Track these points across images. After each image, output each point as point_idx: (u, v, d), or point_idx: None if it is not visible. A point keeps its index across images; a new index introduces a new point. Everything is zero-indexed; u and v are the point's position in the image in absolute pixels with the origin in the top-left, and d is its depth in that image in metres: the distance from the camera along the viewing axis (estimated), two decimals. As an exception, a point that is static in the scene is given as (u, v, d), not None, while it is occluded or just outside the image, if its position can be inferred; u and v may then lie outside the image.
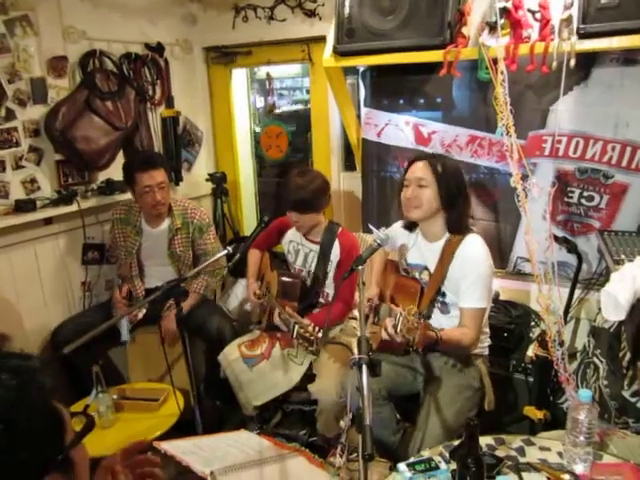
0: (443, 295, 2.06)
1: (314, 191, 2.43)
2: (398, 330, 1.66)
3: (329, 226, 2.58)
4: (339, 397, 2.22)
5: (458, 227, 2.04)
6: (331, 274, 2.57)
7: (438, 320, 2.10)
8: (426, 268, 2.11)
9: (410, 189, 2.02)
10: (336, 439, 2.42)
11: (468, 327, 1.96)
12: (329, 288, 2.62)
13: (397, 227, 2.26)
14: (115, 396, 2.33)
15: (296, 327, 2.16)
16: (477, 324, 1.97)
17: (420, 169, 2.02)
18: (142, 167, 2.59)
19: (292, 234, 2.68)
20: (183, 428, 2.15)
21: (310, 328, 2.12)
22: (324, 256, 2.55)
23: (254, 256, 2.78)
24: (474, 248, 1.99)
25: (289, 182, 2.45)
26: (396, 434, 2.20)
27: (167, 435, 2.14)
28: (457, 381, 2.02)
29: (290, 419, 2.82)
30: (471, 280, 1.95)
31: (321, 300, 2.65)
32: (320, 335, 2.06)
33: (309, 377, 2.47)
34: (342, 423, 2.42)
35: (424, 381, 2.10)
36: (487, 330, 2.15)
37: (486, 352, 2.15)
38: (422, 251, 2.13)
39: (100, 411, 2.21)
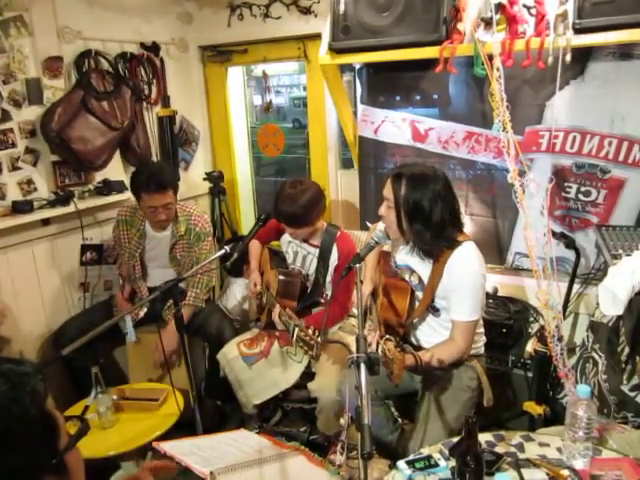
0: (434, 302, 2.03)
1: (305, 206, 2.36)
2: (379, 353, 1.66)
3: (328, 229, 2.57)
4: (339, 395, 2.22)
5: (425, 252, 1.94)
6: (329, 277, 2.57)
7: (430, 324, 2.09)
8: (414, 271, 2.08)
9: (383, 207, 1.96)
10: (336, 437, 2.43)
11: (457, 340, 1.93)
12: (328, 289, 2.61)
13: None
14: (115, 396, 2.33)
15: (296, 330, 2.15)
16: (468, 336, 1.94)
17: (387, 188, 1.92)
18: (149, 189, 2.54)
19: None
20: (183, 428, 2.15)
21: (310, 331, 2.11)
22: (323, 259, 2.54)
23: (255, 247, 2.77)
24: (465, 260, 1.90)
25: (281, 195, 2.39)
26: (393, 433, 2.21)
27: (167, 435, 2.14)
28: (454, 383, 2.01)
29: (290, 417, 2.83)
30: (462, 293, 1.90)
31: (321, 300, 2.65)
32: (320, 340, 2.05)
33: (308, 375, 2.47)
34: (342, 421, 2.43)
35: (422, 380, 2.10)
36: (481, 330, 2.13)
37: (482, 351, 2.13)
38: (412, 254, 2.06)
39: (100, 412, 2.21)
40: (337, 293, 2.43)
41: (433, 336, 2.06)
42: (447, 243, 1.91)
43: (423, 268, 2.02)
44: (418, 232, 1.89)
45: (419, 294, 2.08)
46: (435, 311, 2.05)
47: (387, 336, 1.71)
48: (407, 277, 2.13)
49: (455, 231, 1.94)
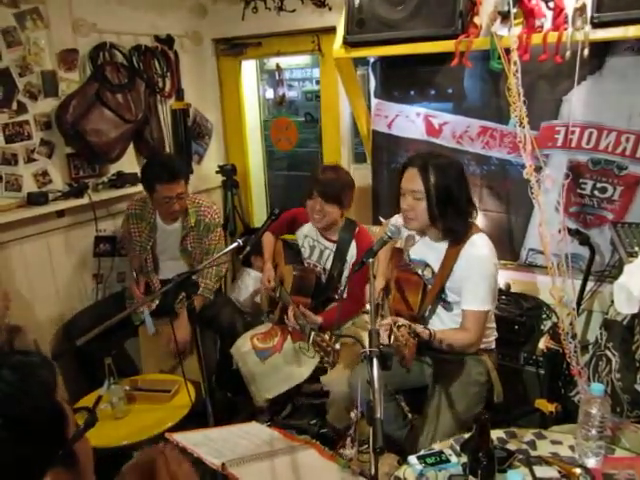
0: (446, 294, 2.04)
1: (343, 183, 2.47)
2: (391, 341, 1.65)
3: (346, 224, 2.57)
4: (350, 388, 2.22)
5: (453, 236, 1.97)
6: (346, 273, 2.56)
7: (441, 318, 2.09)
8: (428, 265, 2.08)
9: (406, 201, 1.96)
10: (346, 430, 2.43)
11: (469, 330, 1.93)
12: (343, 285, 2.60)
13: (401, 220, 2.19)
14: (127, 387, 2.35)
15: (312, 334, 2.12)
16: (479, 327, 1.93)
17: (413, 180, 1.93)
18: (163, 179, 2.57)
19: (308, 229, 2.67)
20: (194, 419, 2.17)
21: (327, 337, 2.08)
22: (340, 255, 2.54)
23: (269, 239, 2.77)
24: (478, 249, 1.94)
25: (319, 171, 2.49)
26: (402, 429, 2.20)
27: (179, 426, 2.16)
28: (464, 377, 2.00)
29: (300, 411, 2.84)
30: (474, 282, 1.91)
31: (336, 297, 2.64)
32: (338, 347, 2.02)
33: (321, 370, 2.47)
34: (352, 414, 2.43)
35: (433, 374, 2.09)
36: (493, 325, 2.12)
37: (492, 346, 2.12)
38: (425, 248, 2.09)
39: (113, 402, 2.23)
40: (352, 288, 2.42)
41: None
42: (465, 228, 1.96)
43: (436, 262, 2.03)
44: (451, 217, 1.93)
45: (430, 288, 2.08)
46: (446, 303, 2.05)
47: (400, 322, 1.70)
48: (420, 271, 2.13)
49: (474, 212, 2.01)
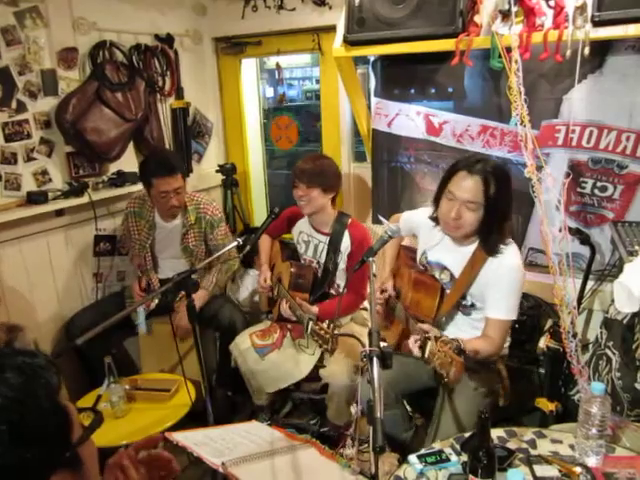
0: (467, 299, 1.99)
1: (323, 167, 2.46)
2: (426, 355, 1.55)
3: (339, 217, 2.57)
4: (350, 381, 2.22)
5: (489, 242, 1.89)
6: (341, 265, 2.56)
7: (457, 323, 2.06)
8: (446, 268, 2.02)
9: (455, 208, 1.84)
10: (346, 428, 2.43)
11: (492, 338, 1.87)
12: (340, 279, 2.61)
13: (423, 215, 2.12)
14: (127, 386, 2.35)
15: (310, 323, 2.13)
16: (503, 335, 1.89)
17: (471, 189, 1.81)
18: (159, 173, 2.59)
19: (302, 225, 2.68)
20: (194, 418, 2.17)
21: (325, 325, 2.09)
22: (334, 247, 2.55)
23: (265, 241, 2.78)
24: (510, 258, 1.88)
25: (303, 158, 2.51)
26: (407, 431, 2.18)
27: (179, 425, 2.16)
28: (476, 382, 1.96)
29: (300, 409, 2.84)
30: (504, 291, 1.86)
31: (332, 292, 2.64)
32: (335, 333, 2.01)
33: (319, 367, 2.47)
34: (352, 410, 2.42)
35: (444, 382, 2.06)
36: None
37: (506, 352, 2.09)
38: (447, 251, 2.02)
39: (112, 401, 2.23)
40: (351, 282, 2.42)
41: (459, 335, 2.00)
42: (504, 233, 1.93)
43: (457, 266, 1.98)
44: (498, 226, 1.87)
45: (449, 292, 2.03)
46: (465, 308, 2.02)
47: (443, 337, 1.60)
48: (437, 275, 2.07)
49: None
